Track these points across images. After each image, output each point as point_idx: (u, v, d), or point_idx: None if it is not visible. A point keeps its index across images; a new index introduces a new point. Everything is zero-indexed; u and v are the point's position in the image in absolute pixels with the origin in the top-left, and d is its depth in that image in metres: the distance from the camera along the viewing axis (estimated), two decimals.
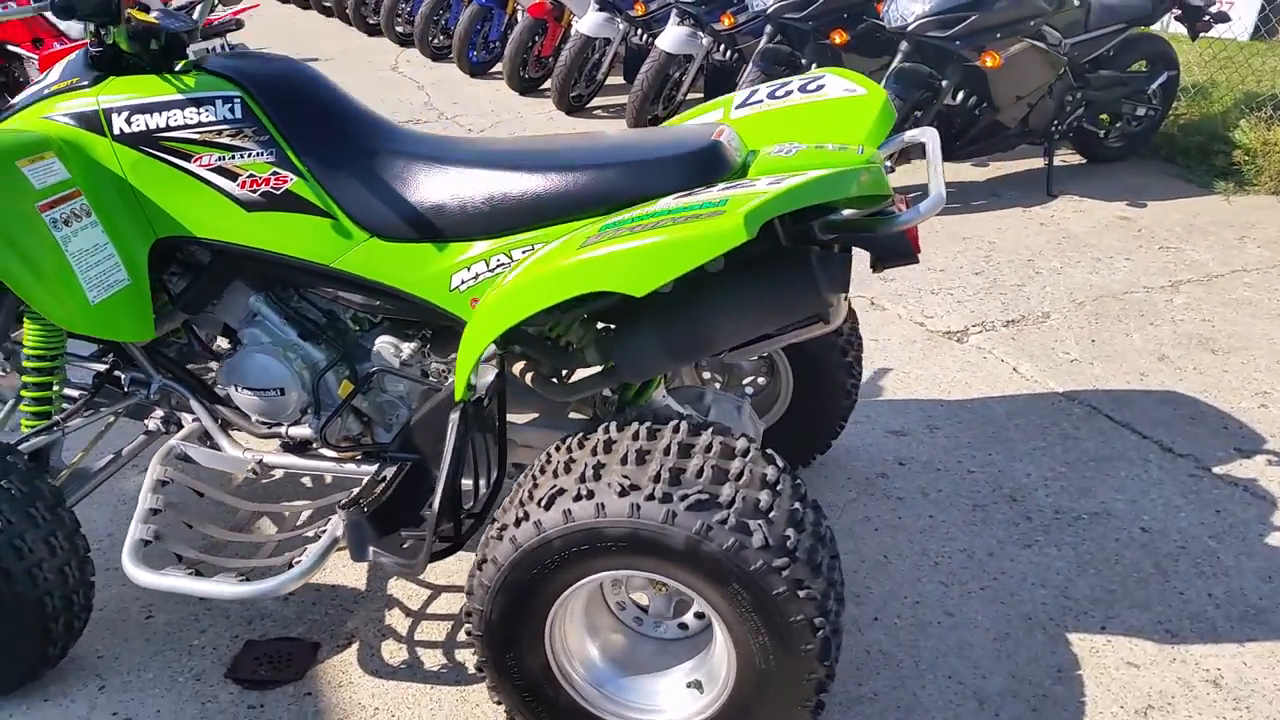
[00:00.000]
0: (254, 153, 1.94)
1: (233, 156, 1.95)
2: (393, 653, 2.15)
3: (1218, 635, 2.13)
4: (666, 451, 1.64)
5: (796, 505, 1.64)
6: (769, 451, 1.72)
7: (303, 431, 2.15)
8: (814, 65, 5.55)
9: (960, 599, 2.24)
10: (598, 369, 1.97)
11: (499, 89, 7.75)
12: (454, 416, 1.83)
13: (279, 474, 2.36)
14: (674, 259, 1.50)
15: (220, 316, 2.18)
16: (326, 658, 2.15)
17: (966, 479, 2.68)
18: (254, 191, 1.96)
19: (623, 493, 1.57)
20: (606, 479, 1.59)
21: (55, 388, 2.23)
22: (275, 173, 1.95)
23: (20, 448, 2.07)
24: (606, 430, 1.72)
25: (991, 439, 2.86)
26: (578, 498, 1.59)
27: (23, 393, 2.20)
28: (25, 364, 2.17)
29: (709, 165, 1.84)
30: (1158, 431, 2.88)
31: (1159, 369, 3.25)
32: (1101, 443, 2.84)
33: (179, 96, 1.94)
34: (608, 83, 7.15)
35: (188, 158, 1.95)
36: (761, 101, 2.18)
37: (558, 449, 1.75)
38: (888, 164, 2.00)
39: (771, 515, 1.58)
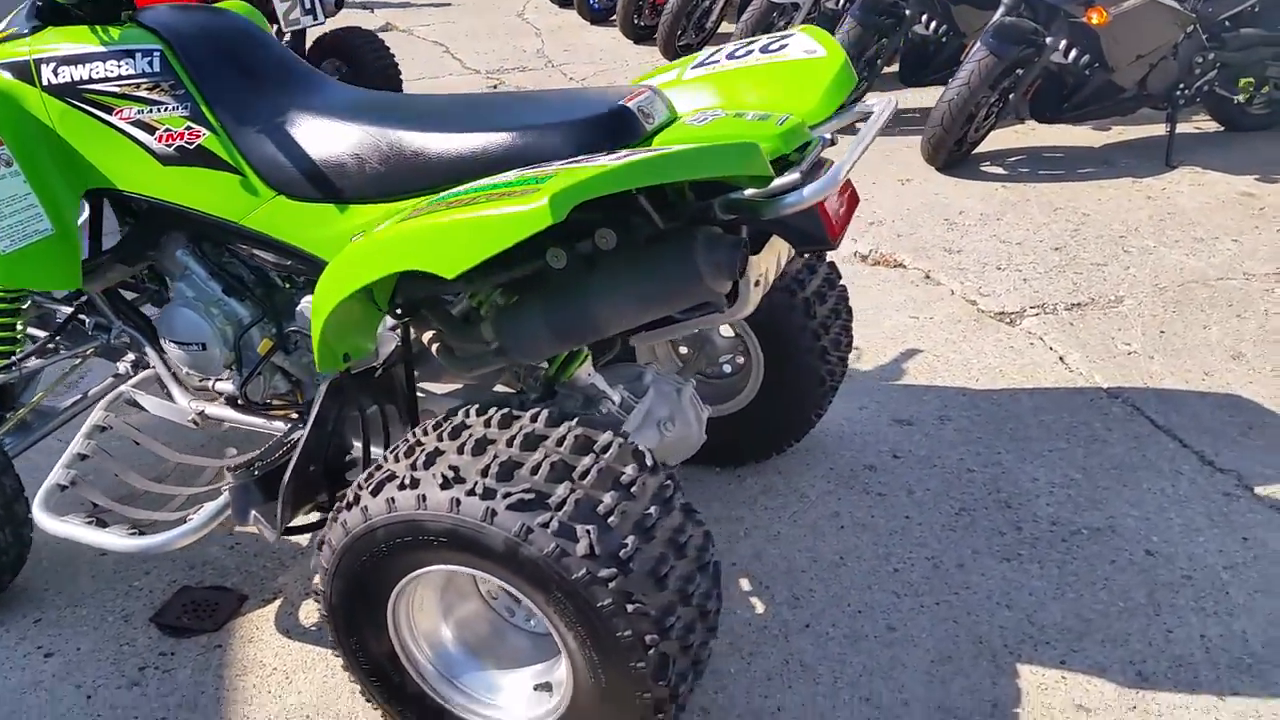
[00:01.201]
0: (170, 107, 1.91)
1: (151, 110, 1.92)
2: (309, 613, 2.13)
3: (1196, 685, 1.85)
4: (510, 442, 1.52)
5: (650, 511, 1.50)
6: (640, 450, 1.58)
7: (227, 387, 2.13)
8: (922, 16, 5.17)
9: (909, 613, 2.03)
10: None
11: (615, 37, 7.62)
12: (321, 387, 1.76)
13: (226, 428, 2.37)
14: (480, 240, 1.37)
15: (159, 269, 2.18)
16: (249, 611, 2.15)
17: (962, 479, 2.43)
18: (169, 146, 1.92)
19: (445, 485, 1.46)
20: (435, 468, 1.49)
21: (19, 328, 2.30)
22: (189, 127, 1.91)
23: None
24: (465, 414, 1.61)
25: (1007, 436, 2.59)
26: (402, 486, 1.49)
27: None
28: None
29: (610, 131, 1.68)
30: (1202, 441, 2.54)
31: (1228, 368, 2.86)
32: (1132, 448, 2.52)
33: (103, 49, 1.92)
34: (721, 30, 6.91)
35: (109, 110, 1.93)
36: (718, 62, 2.00)
37: (419, 430, 1.66)
38: (825, 137, 1.78)
39: (610, 521, 1.44)
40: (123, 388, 2.26)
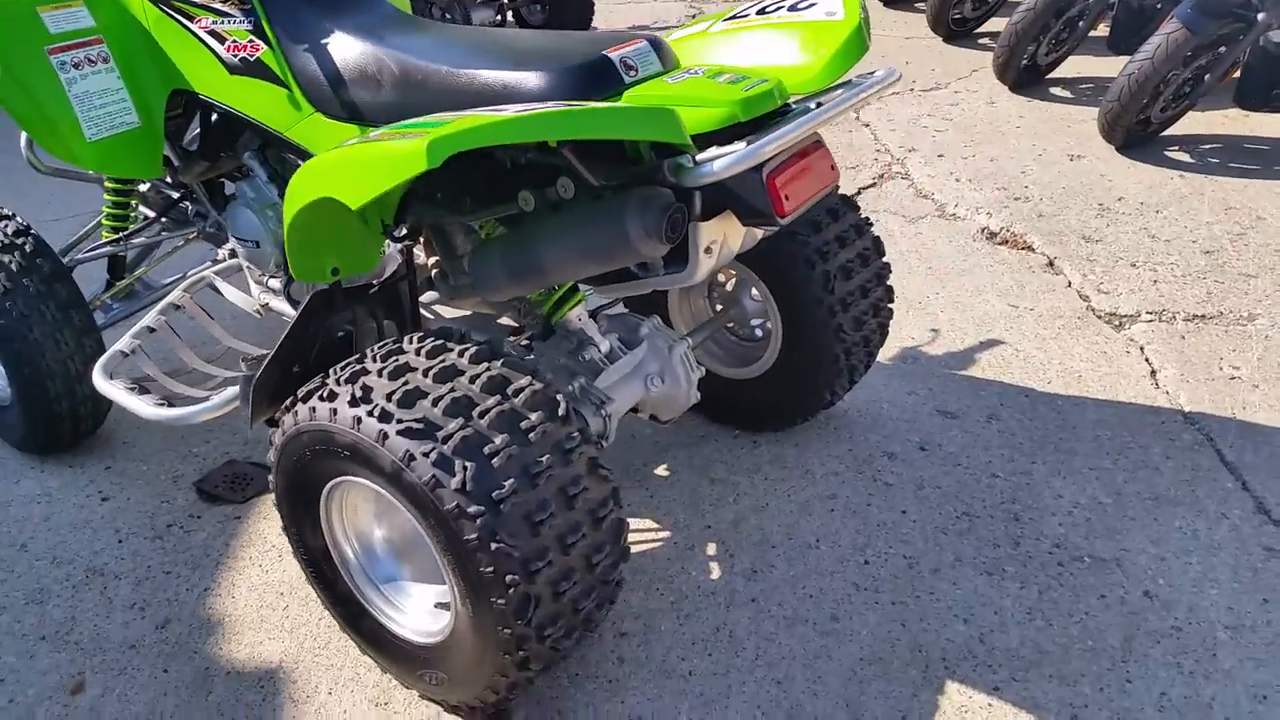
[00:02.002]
0: (237, 19, 2.08)
1: (222, 21, 2.10)
2: None
3: None
4: (426, 372, 1.61)
5: (542, 459, 1.55)
6: (553, 398, 1.63)
7: (276, 285, 2.34)
8: None
9: (859, 606, 1.99)
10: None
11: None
12: (305, 296, 1.91)
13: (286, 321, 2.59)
14: (373, 175, 1.44)
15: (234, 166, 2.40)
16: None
17: (980, 483, 2.32)
18: (235, 56, 2.11)
19: (353, 402, 1.58)
20: (354, 385, 1.60)
21: (132, 205, 2.61)
22: (251, 40, 2.08)
23: (75, 252, 2.48)
24: (406, 340, 1.71)
25: (1051, 447, 2.43)
26: (323, 397, 1.62)
27: (102, 208, 2.59)
28: (105, 184, 2.55)
29: (587, 80, 1.71)
30: (1270, 487, 2.28)
31: None
32: (1183, 481, 2.30)
33: None
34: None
35: (191, 18, 2.14)
36: (748, 16, 1.97)
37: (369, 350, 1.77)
38: (811, 104, 1.71)
39: (494, 460, 1.51)
40: (206, 272, 2.52)
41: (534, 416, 1.59)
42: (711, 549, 2.16)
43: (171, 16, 2.17)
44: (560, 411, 1.63)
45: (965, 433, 2.49)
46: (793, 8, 1.93)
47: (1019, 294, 3.11)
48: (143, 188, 2.67)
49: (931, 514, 2.23)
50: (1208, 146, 4.22)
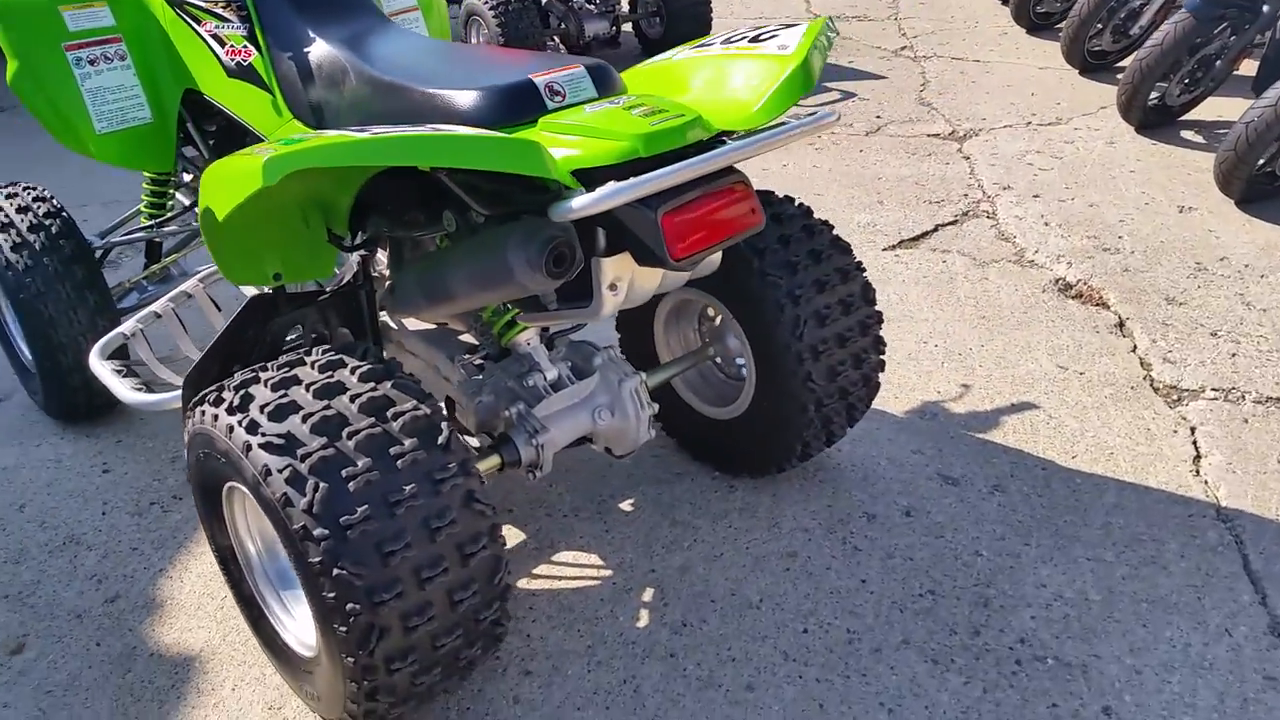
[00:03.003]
0: (235, 25, 2.15)
1: (223, 26, 2.17)
2: None
3: None
4: (309, 386, 1.60)
5: (406, 488, 1.51)
6: (435, 427, 1.58)
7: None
8: None
9: (781, 679, 1.86)
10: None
11: (1001, 17, 6.82)
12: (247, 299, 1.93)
13: None
14: (231, 189, 1.44)
15: None
16: None
17: (959, 560, 2.13)
18: (232, 60, 2.18)
19: (230, 410, 1.58)
20: (238, 393, 1.61)
21: (170, 193, 2.73)
22: (245, 46, 2.14)
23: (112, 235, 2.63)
24: (309, 351, 1.71)
25: (1051, 530, 2.21)
26: (212, 402, 1.63)
27: (142, 195, 2.72)
28: (145, 172, 2.68)
29: (505, 104, 1.67)
30: None
31: None
32: (1191, 587, 2.04)
33: None
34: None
35: (199, 21, 2.22)
36: (711, 45, 1.89)
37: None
38: (731, 143, 1.60)
39: (350, 485, 1.49)
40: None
41: (407, 442, 1.55)
42: (648, 595, 2.07)
43: (184, 19, 2.25)
44: (440, 440, 1.58)
45: (961, 502, 2.30)
46: (754, 39, 1.83)
47: (1073, 354, 2.85)
48: (186, 178, 2.79)
49: (893, 587, 2.06)
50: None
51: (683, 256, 1.54)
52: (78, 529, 2.33)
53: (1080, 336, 2.95)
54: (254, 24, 2.12)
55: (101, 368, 2.32)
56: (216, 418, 1.60)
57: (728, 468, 2.39)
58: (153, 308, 2.49)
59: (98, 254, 2.68)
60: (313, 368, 1.65)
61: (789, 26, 1.87)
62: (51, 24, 2.22)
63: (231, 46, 2.16)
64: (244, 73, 2.15)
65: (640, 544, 2.20)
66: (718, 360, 2.37)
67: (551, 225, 1.52)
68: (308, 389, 1.59)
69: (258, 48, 2.11)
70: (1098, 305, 3.13)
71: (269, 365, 1.69)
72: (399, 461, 1.53)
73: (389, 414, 1.58)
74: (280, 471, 1.49)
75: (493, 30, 5.23)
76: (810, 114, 1.70)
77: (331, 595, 1.47)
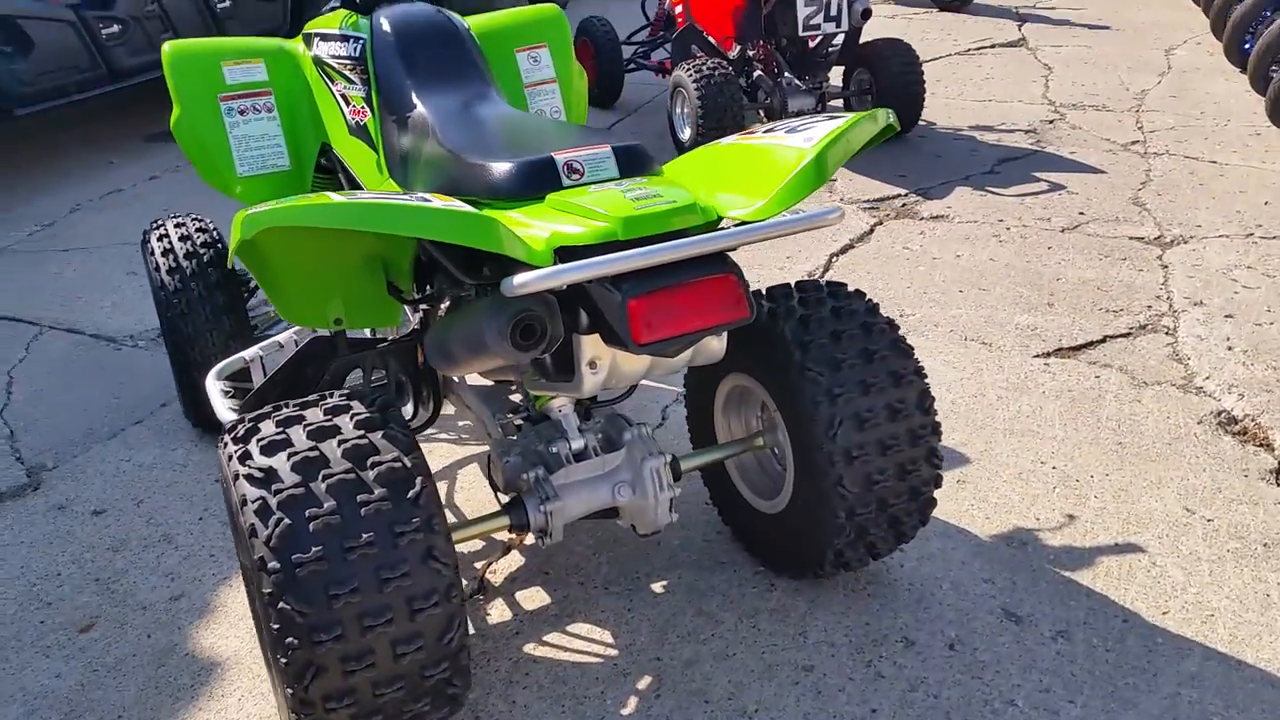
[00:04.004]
0: (358, 87, 2.35)
1: (349, 87, 2.38)
2: None
3: None
4: (308, 426, 1.69)
5: (365, 537, 1.57)
6: (409, 480, 1.63)
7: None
8: None
9: None
10: None
11: (1258, 116, 6.18)
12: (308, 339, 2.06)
13: None
14: (233, 236, 1.55)
15: None
16: None
17: (986, 708, 1.94)
18: (353, 119, 2.38)
19: (236, 440, 1.70)
20: (250, 425, 1.73)
21: None
22: (362, 107, 2.34)
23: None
24: (330, 396, 1.81)
25: (1107, 691, 1.96)
26: (228, 430, 1.76)
27: None
28: None
29: (524, 178, 1.74)
30: None
31: None
32: None
33: (339, 33, 2.43)
34: None
35: (333, 80, 2.45)
36: (755, 133, 1.89)
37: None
38: (727, 229, 1.56)
39: (311, 525, 1.57)
40: None
41: (376, 492, 1.61)
42: (645, 682, 2.02)
43: (323, 78, 2.48)
44: (410, 493, 1.63)
45: (1017, 643, 2.08)
46: (792, 129, 1.79)
47: (1207, 498, 2.53)
48: None
49: None
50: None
51: (648, 343, 1.52)
52: (174, 529, 2.57)
53: (1223, 479, 2.61)
54: (371, 88, 2.29)
55: (213, 386, 2.56)
56: (226, 445, 1.73)
57: (771, 564, 2.30)
58: (278, 338, 2.72)
59: (252, 284, 2.97)
60: (319, 410, 1.75)
61: (834, 118, 1.82)
62: (212, 76, 2.50)
63: (354, 106, 2.36)
64: (360, 131, 2.34)
65: (657, 629, 2.15)
66: (774, 451, 2.29)
67: (522, 299, 1.55)
68: (305, 429, 1.69)
69: (371, 109, 2.29)
70: (1259, 446, 2.76)
71: (289, 403, 1.81)
72: (363, 509, 1.60)
73: (369, 462, 1.65)
74: (253, 503, 1.59)
75: (693, 102, 5.35)
76: (811, 211, 1.64)
77: (276, 627, 1.55)
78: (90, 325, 3.79)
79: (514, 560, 2.38)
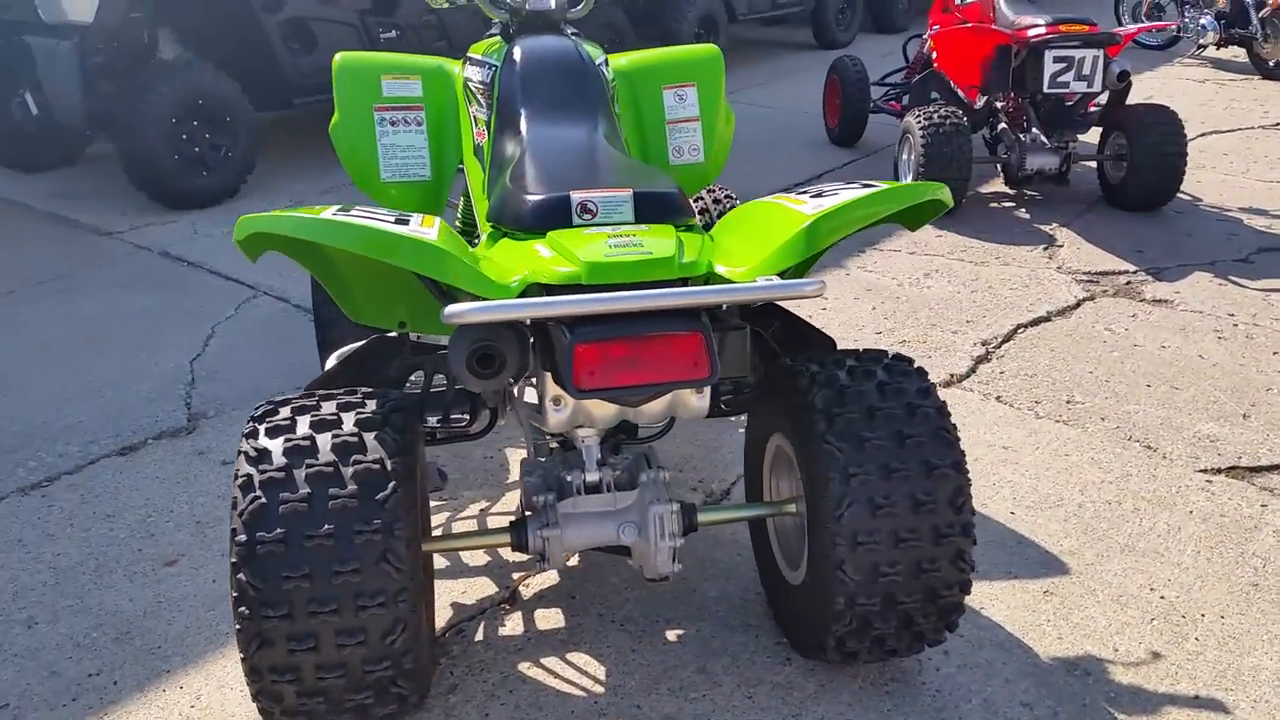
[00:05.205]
0: (484, 110, 2.49)
1: (479, 110, 2.53)
2: None
3: None
4: (317, 415, 1.81)
5: (324, 526, 1.67)
6: (387, 482, 1.71)
7: None
8: None
9: None
10: None
11: None
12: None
13: None
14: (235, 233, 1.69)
15: None
16: None
17: None
18: (478, 139, 2.53)
19: (255, 419, 1.85)
20: (273, 408, 1.87)
21: None
22: (484, 129, 2.47)
23: None
24: (350, 391, 1.93)
25: None
26: (260, 418, 1.90)
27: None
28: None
29: (541, 213, 1.81)
30: None
31: None
32: None
33: (481, 58, 2.58)
34: None
35: (470, 102, 2.61)
36: (790, 193, 1.85)
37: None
38: (695, 288, 1.51)
39: (280, 508, 1.68)
40: None
41: (348, 489, 1.71)
42: None
43: (466, 99, 2.64)
44: (380, 495, 1.71)
45: None
46: (818, 194, 1.72)
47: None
48: None
49: None
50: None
51: (588, 389, 1.52)
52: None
53: None
54: (492, 113, 2.42)
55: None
56: (249, 422, 1.89)
57: (788, 637, 2.19)
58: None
59: None
60: (334, 403, 1.87)
61: (869, 186, 1.73)
62: (371, 87, 2.71)
63: (479, 128, 2.50)
64: (478, 152, 2.48)
65: (651, 678, 2.12)
66: (802, 520, 2.18)
67: (484, 328, 1.59)
68: (311, 419, 1.82)
69: (488, 132, 2.41)
70: None
71: (316, 393, 1.95)
72: (330, 502, 1.69)
73: (351, 459, 1.74)
74: (242, 477, 1.73)
75: (917, 149, 5.16)
76: (795, 280, 1.56)
77: (234, 595, 1.68)
78: (296, 296, 4.21)
79: (549, 578, 2.42)
